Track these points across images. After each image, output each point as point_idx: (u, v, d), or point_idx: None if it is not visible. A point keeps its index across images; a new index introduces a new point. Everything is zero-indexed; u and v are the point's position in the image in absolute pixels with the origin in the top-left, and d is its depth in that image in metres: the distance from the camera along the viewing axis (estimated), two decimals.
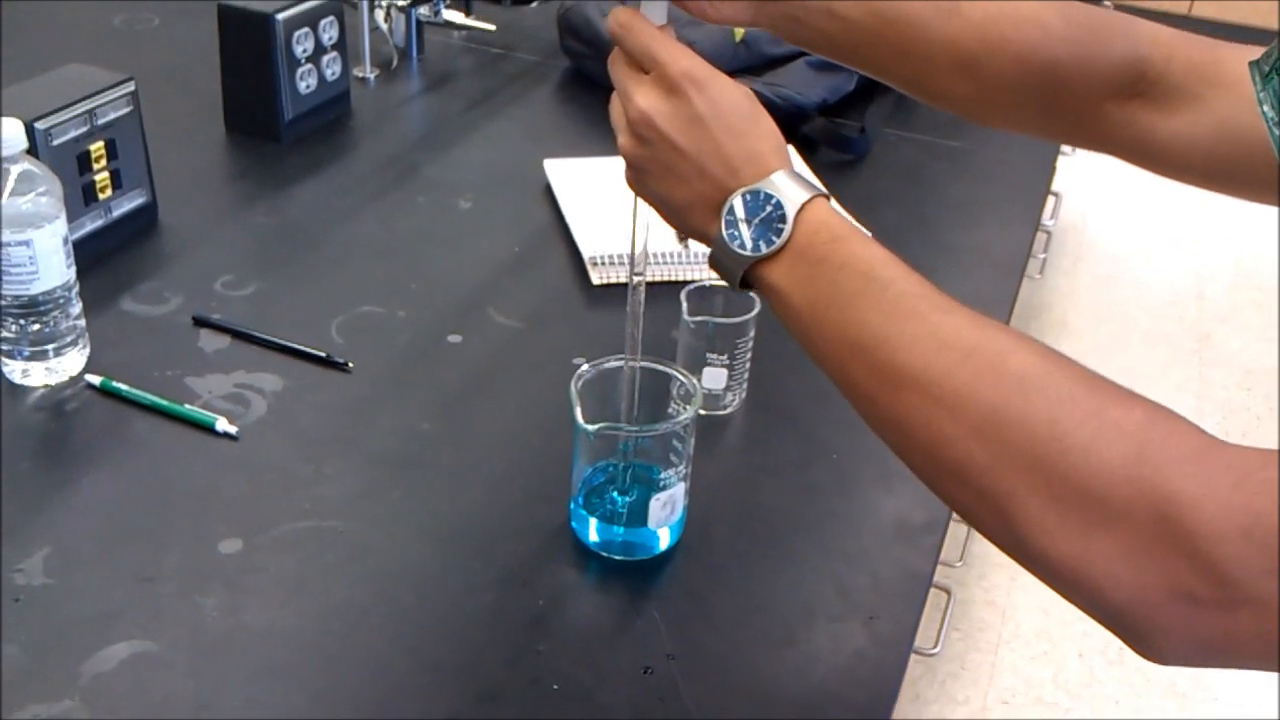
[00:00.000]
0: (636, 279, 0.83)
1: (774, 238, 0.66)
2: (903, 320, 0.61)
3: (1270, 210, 3.42)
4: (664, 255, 1.21)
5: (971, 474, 0.56)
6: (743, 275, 0.68)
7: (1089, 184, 3.12)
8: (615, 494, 0.90)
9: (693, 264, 1.21)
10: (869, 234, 0.68)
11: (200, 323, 1.10)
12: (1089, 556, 0.53)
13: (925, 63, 0.82)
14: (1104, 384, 0.56)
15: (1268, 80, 0.67)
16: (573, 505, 0.91)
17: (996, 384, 0.57)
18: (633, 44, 0.70)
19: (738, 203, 0.67)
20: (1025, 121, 0.85)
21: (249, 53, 1.39)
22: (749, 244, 0.66)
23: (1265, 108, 0.67)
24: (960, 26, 0.80)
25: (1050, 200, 1.74)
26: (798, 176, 0.68)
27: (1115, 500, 0.52)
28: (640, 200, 0.76)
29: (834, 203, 0.69)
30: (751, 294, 0.97)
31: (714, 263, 0.69)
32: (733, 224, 0.67)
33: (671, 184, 0.70)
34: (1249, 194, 0.81)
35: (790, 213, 0.66)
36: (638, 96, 0.69)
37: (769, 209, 0.66)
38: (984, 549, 2.29)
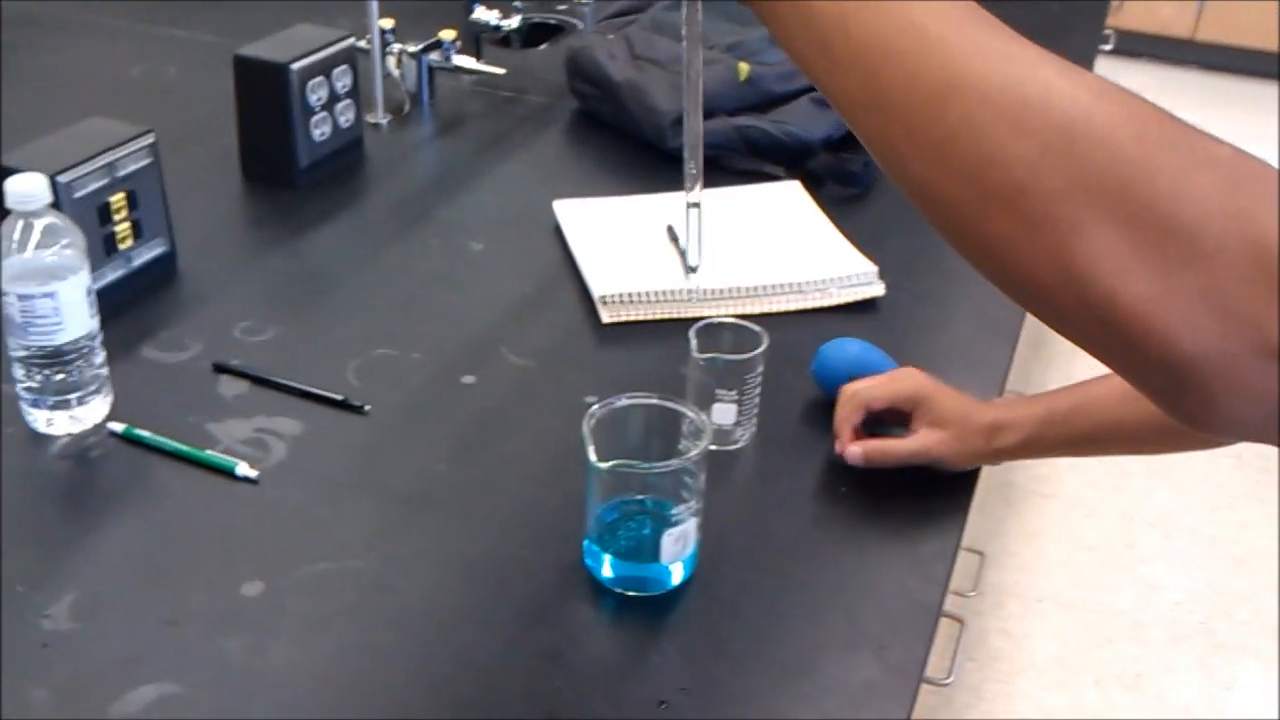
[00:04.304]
0: None
1: None
2: (959, 26, 0.52)
3: None
4: (672, 293, 1.23)
5: (1030, 200, 0.49)
6: None
7: None
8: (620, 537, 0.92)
9: (700, 301, 1.23)
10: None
11: (220, 369, 1.13)
12: (1167, 298, 0.47)
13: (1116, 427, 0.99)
14: (1181, 120, 0.49)
15: None
16: (586, 542, 0.93)
17: (1074, 95, 0.49)
18: None
19: None
20: None
21: (265, 102, 1.42)
22: None
23: None
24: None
25: None
26: None
27: (1206, 234, 0.46)
28: None
29: None
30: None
31: None
32: None
33: None
34: None
35: None
36: None
37: None
38: (998, 578, 2.30)
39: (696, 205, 1.09)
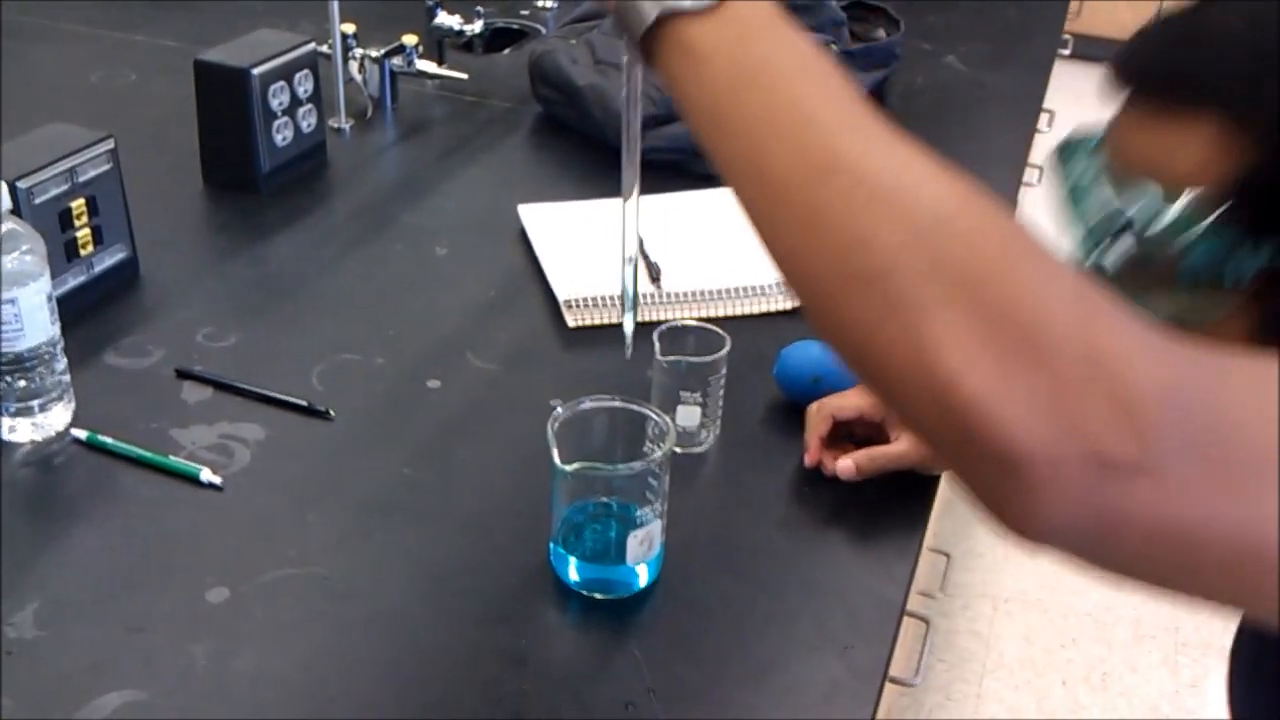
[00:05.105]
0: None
1: None
2: (846, 109, 0.54)
3: None
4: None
5: (890, 283, 0.50)
6: (650, 30, 0.58)
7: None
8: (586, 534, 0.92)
9: (665, 304, 1.24)
10: None
11: (183, 375, 1.12)
12: (1006, 392, 0.47)
13: None
14: (1037, 234, 0.52)
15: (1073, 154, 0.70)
16: (552, 545, 0.93)
17: (948, 191, 0.51)
18: None
19: None
20: None
21: (226, 107, 1.41)
22: None
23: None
24: None
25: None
26: None
27: (1050, 337, 0.48)
28: None
29: None
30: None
31: (621, 12, 0.60)
32: None
33: None
34: None
35: None
36: None
37: None
38: (965, 579, 2.31)
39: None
